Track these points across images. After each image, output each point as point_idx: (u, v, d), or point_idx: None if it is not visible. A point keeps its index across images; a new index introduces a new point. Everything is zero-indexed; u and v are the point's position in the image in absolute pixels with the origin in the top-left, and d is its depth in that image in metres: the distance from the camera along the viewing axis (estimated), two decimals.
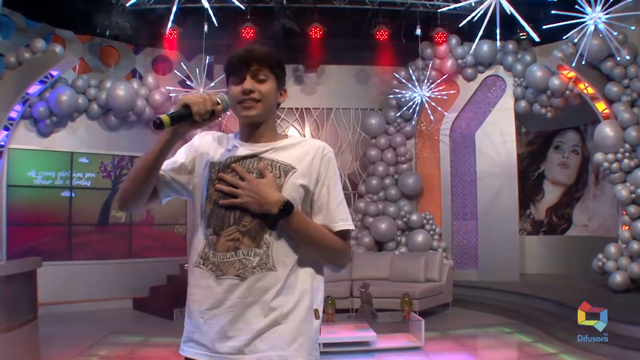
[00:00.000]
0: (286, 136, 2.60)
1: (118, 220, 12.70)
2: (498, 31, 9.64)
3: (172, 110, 2.35)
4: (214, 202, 2.44)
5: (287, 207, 2.33)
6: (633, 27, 10.47)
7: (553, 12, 9.55)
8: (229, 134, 2.64)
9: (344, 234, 2.50)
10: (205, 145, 2.59)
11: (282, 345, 2.33)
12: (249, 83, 2.45)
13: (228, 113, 2.58)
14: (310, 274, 2.46)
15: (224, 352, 2.33)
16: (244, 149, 2.51)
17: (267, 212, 2.34)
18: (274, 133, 2.58)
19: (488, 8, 9.43)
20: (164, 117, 2.28)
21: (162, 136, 2.39)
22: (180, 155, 2.59)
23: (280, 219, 2.34)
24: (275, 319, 2.33)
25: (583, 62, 10.70)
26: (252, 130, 2.54)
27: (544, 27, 9.79)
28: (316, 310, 2.46)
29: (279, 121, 12.90)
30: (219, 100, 2.40)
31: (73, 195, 12.35)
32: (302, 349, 2.37)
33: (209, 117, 2.38)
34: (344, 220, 2.49)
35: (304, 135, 13.17)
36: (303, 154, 2.50)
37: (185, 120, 2.34)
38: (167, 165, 2.54)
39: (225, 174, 2.44)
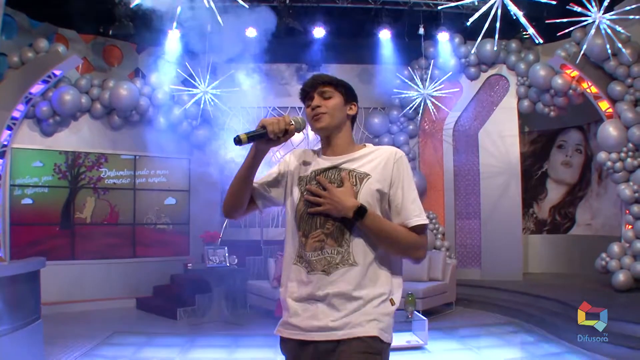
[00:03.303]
0: (364, 146, 2.99)
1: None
2: (497, 30, 9.61)
3: (250, 130, 2.78)
4: (304, 209, 2.86)
5: (360, 211, 2.71)
6: (630, 35, 10.53)
7: (556, 11, 9.55)
8: (315, 149, 3.08)
9: (418, 229, 2.83)
10: (294, 160, 3.04)
11: (363, 325, 2.71)
12: (316, 100, 2.92)
13: (303, 133, 2.91)
14: (388, 271, 2.83)
15: (315, 331, 2.74)
16: (325, 162, 2.94)
17: (344, 216, 2.73)
18: (351, 144, 2.99)
19: (491, 7, 9.41)
20: (242, 135, 2.72)
21: (248, 153, 2.87)
22: (274, 171, 3.06)
23: (356, 221, 2.72)
24: (357, 306, 2.72)
25: (585, 59, 10.70)
26: (329, 143, 2.97)
27: (547, 21, 9.75)
28: (392, 300, 2.82)
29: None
30: (292, 121, 2.81)
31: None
32: (376, 328, 2.73)
33: (283, 136, 2.79)
34: (417, 216, 2.82)
35: (307, 135, 13.16)
36: (377, 161, 2.87)
37: (262, 138, 2.77)
38: (263, 179, 3.03)
39: (311, 185, 2.86)
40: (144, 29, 11.67)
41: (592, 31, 9.64)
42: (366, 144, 3.00)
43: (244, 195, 2.94)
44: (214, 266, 10.71)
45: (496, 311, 11.16)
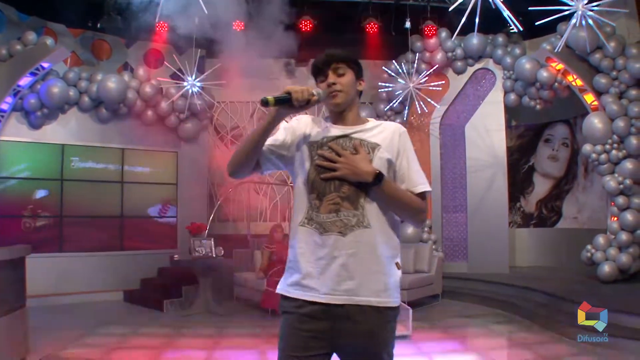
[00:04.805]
0: (367, 120, 3.12)
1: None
2: (477, 22, 9.66)
3: (277, 94, 2.84)
4: (317, 173, 2.93)
5: (379, 176, 2.84)
6: (614, 24, 10.60)
7: (540, 4, 9.58)
8: (320, 117, 3.17)
9: (422, 195, 3.01)
10: (302, 125, 3.09)
11: (377, 291, 2.85)
12: (331, 77, 3.01)
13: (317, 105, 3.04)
14: (394, 233, 2.98)
15: (330, 294, 2.82)
16: (336, 130, 3.03)
17: (363, 180, 2.84)
18: (358, 117, 3.12)
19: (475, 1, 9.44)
20: (270, 98, 2.79)
21: (267, 117, 2.93)
22: (280, 134, 3.08)
23: (374, 185, 2.85)
24: (371, 269, 2.84)
25: (571, 52, 10.75)
26: (340, 115, 3.07)
27: (530, 8, 9.75)
28: (397, 263, 2.98)
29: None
30: (314, 93, 2.88)
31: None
32: (392, 294, 2.91)
33: (305, 104, 2.86)
34: (422, 183, 3.01)
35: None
36: (385, 133, 3.02)
37: (286, 104, 2.83)
38: (269, 142, 3.03)
39: (323, 151, 2.95)
40: (132, 23, 11.70)
41: (574, 21, 9.66)
42: (369, 119, 3.13)
43: (253, 156, 3.02)
44: (200, 257, 10.74)
45: (482, 303, 11.22)
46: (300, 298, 2.88)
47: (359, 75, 3.11)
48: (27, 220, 12.03)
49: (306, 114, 3.16)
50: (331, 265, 2.82)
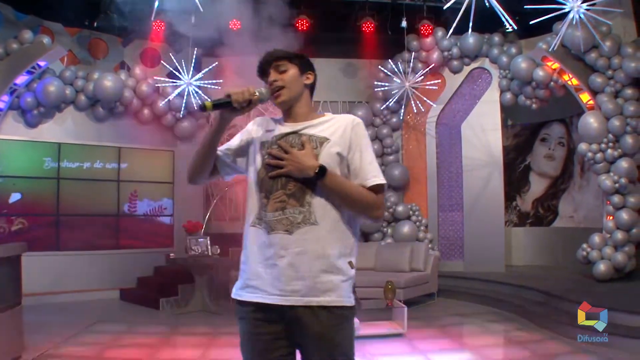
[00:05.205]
0: (323, 115, 3.08)
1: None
2: (471, 21, 9.65)
3: (217, 98, 2.87)
4: (266, 172, 2.92)
5: (321, 170, 2.79)
6: (610, 23, 10.61)
7: (536, 3, 9.59)
8: (275, 117, 3.15)
9: (376, 189, 2.91)
10: (256, 128, 3.12)
11: (327, 291, 2.78)
12: (273, 75, 2.99)
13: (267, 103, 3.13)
14: (347, 230, 2.91)
15: (279, 295, 2.78)
16: (285, 128, 3.01)
17: (306, 176, 2.81)
18: (310, 112, 3.08)
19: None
20: (207, 103, 2.82)
21: (213, 122, 3.01)
22: (236, 139, 3.14)
23: (317, 180, 2.80)
24: (320, 268, 2.78)
25: (566, 51, 10.77)
26: (290, 112, 3.04)
27: (525, 6, 9.77)
28: (350, 262, 2.90)
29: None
30: (256, 92, 2.90)
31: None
32: (344, 294, 2.84)
33: (247, 105, 2.89)
34: (375, 176, 2.92)
35: None
36: (335, 127, 2.97)
37: (226, 107, 2.87)
38: (225, 147, 3.11)
39: (272, 149, 2.92)
40: (128, 22, 11.71)
41: (569, 19, 9.68)
42: (325, 113, 3.09)
43: (208, 162, 3.04)
44: (196, 256, 10.75)
45: (478, 302, 11.23)
46: (251, 300, 2.86)
47: (304, 69, 3.07)
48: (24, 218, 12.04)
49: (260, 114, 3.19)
50: (278, 265, 2.78)
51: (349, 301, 2.85)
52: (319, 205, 2.83)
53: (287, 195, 2.84)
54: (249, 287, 2.88)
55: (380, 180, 2.92)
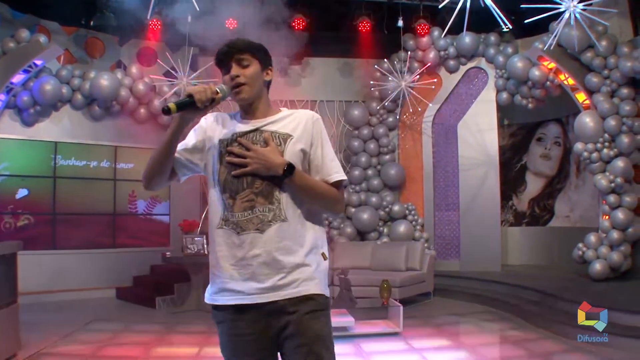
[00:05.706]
0: (280, 110, 3.03)
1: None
2: (465, 21, 9.67)
3: (178, 99, 2.85)
4: (227, 171, 2.85)
5: (290, 167, 2.77)
6: (607, 23, 10.62)
7: (532, 3, 9.60)
8: (231, 113, 3.09)
9: (338, 185, 2.96)
10: (211, 125, 3.02)
11: (303, 281, 2.79)
12: (234, 70, 2.88)
13: (228, 99, 3.01)
14: (315, 224, 2.93)
15: (257, 293, 2.76)
16: (245, 125, 2.95)
17: (274, 174, 2.78)
18: (269, 108, 3.02)
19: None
20: (171, 105, 2.70)
21: (172, 123, 2.83)
22: (191, 138, 3.02)
23: (285, 177, 2.78)
24: (295, 263, 2.79)
25: (562, 50, 10.78)
26: (249, 108, 2.98)
27: (522, 5, 9.78)
28: (323, 254, 2.94)
29: None
30: (218, 90, 2.83)
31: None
32: (319, 286, 2.85)
33: (210, 104, 2.81)
34: (337, 172, 2.95)
35: None
36: (296, 122, 2.94)
37: (190, 107, 2.76)
38: (180, 147, 2.97)
39: (232, 147, 2.87)
40: (125, 21, 11.70)
41: (565, 19, 9.69)
42: (281, 108, 3.06)
43: (166, 165, 2.94)
44: (192, 255, 10.75)
45: (474, 301, 11.23)
46: (229, 304, 2.81)
47: (265, 64, 3.00)
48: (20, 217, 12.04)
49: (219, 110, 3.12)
50: (253, 264, 2.75)
51: (324, 291, 2.87)
52: (287, 201, 2.82)
53: (254, 193, 2.81)
54: (224, 290, 2.84)
55: (342, 176, 2.97)
